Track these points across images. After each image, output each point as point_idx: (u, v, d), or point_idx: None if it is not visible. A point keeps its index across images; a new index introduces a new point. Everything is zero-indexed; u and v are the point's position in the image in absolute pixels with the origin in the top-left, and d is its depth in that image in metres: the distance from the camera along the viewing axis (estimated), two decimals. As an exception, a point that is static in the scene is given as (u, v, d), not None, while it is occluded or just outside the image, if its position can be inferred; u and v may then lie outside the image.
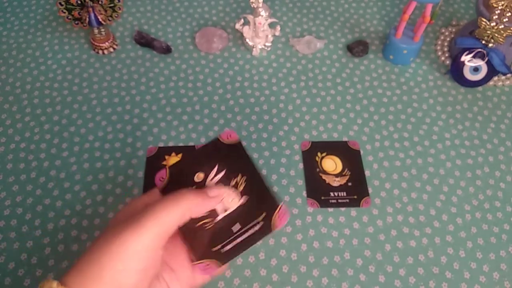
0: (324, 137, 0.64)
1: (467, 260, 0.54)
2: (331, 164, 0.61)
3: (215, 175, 0.37)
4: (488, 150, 0.64)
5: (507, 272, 0.54)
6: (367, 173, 0.61)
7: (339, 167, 0.61)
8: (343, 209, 0.58)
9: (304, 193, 0.59)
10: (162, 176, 0.36)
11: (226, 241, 0.36)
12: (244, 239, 0.36)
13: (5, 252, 0.54)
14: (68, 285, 0.29)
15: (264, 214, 0.36)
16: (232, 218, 0.36)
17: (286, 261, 0.54)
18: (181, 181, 0.37)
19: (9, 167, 0.60)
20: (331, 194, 0.58)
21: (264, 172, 0.60)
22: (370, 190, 0.59)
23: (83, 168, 0.60)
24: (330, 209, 0.57)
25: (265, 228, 0.36)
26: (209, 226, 0.36)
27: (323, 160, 0.61)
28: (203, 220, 0.36)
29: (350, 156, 0.62)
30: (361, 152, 0.63)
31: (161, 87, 0.69)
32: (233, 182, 0.37)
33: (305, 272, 0.53)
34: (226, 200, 0.36)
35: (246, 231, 0.36)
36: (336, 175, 0.60)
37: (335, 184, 0.59)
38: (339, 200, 0.58)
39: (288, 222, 0.56)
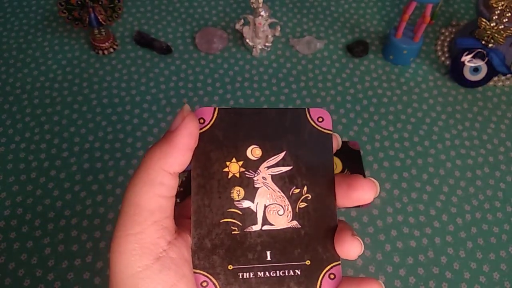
0: (324, 137, 0.64)
1: (467, 260, 0.54)
2: None
3: (276, 164, 0.24)
4: (488, 150, 0.64)
5: (507, 272, 0.54)
6: (367, 173, 0.61)
7: (339, 167, 0.61)
8: (343, 209, 0.58)
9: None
10: (203, 115, 0.25)
11: (251, 266, 0.23)
12: (270, 277, 0.23)
13: (5, 252, 0.54)
14: None
15: (308, 262, 0.24)
16: (268, 239, 0.24)
17: (286, 261, 0.54)
18: (226, 143, 0.24)
19: (9, 167, 0.60)
20: None
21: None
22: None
23: (83, 168, 0.60)
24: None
25: (302, 282, 0.24)
26: (235, 232, 0.24)
27: None
28: (228, 217, 0.24)
29: (350, 156, 0.62)
30: (361, 152, 0.63)
31: (161, 87, 0.69)
32: (293, 190, 0.24)
33: (305, 272, 0.53)
34: (271, 207, 0.24)
35: (277, 269, 0.24)
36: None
37: None
38: None
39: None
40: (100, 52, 0.72)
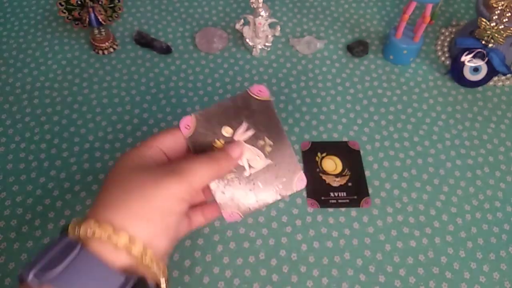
0: (324, 137, 0.64)
1: (467, 260, 0.54)
2: (331, 164, 0.61)
3: (244, 132, 0.37)
4: (488, 150, 0.64)
5: (507, 272, 0.54)
6: (367, 173, 0.61)
7: (339, 167, 0.61)
8: (343, 209, 0.58)
9: (304, 193, 0.59)
10: (187, 123, 0.36)
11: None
12: (265, 197, 0.39)
13: (5, 252, 0.54)
14: (112, 221, 0.28)
15: (284, 179, 0.38)
16: (256, 176, 0.38)
17: (286, 261, 0.54)
18: (207, 133, 0.37)
19: (9, 167, 0.60)
20: (331, 194, 0.58)
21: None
22: (370, 190, 0.59)
23: (83, 168, 0.60)
24: (330, 209, 0.57)
25: (284, 190, 0.39)
26: (236, 181, 0.38)
27: (323, 160, 0.61)
28: (230, 173, 0.38)
29: (350, 156, 0.62)
30: (361, 152, 0.63)
31: (161, 87, 0.69)
32: (260, 143, 0.38)
33: (305, 272, 0.53)
34: (251, 158, 0.38)
35: (267, 190, 0.39)
36: (336, 175, 0.60)
37: (335, 184, 0.59)
38: (339, 201, 0.58)
39: (288, 222, 0.56)
40: (100, 52, 0.72)
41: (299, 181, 0.39)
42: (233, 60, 0.72)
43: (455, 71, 0.69)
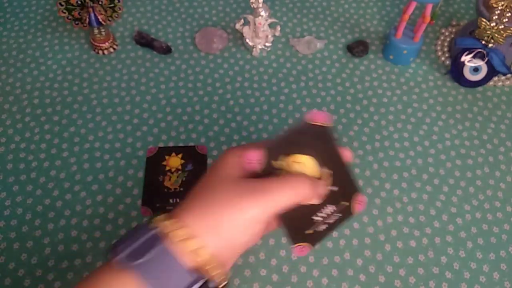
0: (324, 137, 0.64)
1: (467, 260, 0.54)
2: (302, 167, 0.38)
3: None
4: (488, 150, 0.64)
5: (507, 272, 0.54)
6: (367, 173, 0.61)
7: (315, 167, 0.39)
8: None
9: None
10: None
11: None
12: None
13: (5, 252, 0.54)
14: (190, 226, 0.32)
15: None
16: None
17: (286, 261, 0.54)
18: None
19: (9, 167, 0.60)
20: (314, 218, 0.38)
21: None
22: (368, 190, 0.59)
23: (83, 168, 0.60)
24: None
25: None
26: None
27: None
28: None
29: (321, 140, 0.39)
30: (360, 152, 0.63)
31: (161, 87, 0.69)
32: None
33: (305, 272, 0.53)
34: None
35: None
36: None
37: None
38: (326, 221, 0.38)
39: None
40: (100, 52, 0.72)
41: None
42: (233, 60, 0.72)
43: (455, 71, 0.69)
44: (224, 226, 0.32)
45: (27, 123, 0.64)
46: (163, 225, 0.32)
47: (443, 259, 0.54)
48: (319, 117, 0.36)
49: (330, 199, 0.37)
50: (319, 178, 0.37)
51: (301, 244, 0.37)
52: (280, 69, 0.72)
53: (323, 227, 0.38)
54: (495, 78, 0.70)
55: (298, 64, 0.72)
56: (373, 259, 0.54)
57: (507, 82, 0.70)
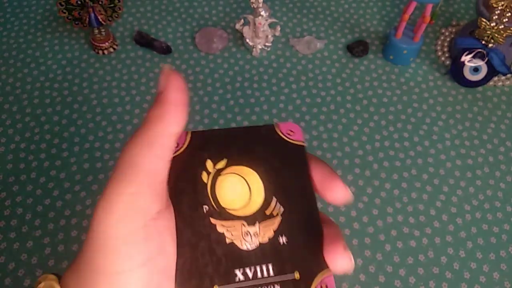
0: (324, 137, 0.64)
1: (467, 260, 0.54)
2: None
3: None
4: (488, 150, 0.64)
5: (507, 272, 0.54)
6: (367, 173, 0.61)
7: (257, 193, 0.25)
8: (343, 208, 0.58)
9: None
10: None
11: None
12: None
13: (5, 252, 0.54)
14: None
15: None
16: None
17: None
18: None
19: (9, 167, 0.60)
20: (236, 272, 0.23)
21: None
22: (368, 190, 0.59)
23: (83, 168, 0.60)
24: (330, 209, 0.57)
25: None
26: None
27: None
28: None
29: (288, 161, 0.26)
30: (359, 152, 0.62)
31: (161, 87, 0.69)
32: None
33: (305, 272, 0.53)
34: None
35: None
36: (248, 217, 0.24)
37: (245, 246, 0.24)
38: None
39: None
40: (100, 52, 0.72)
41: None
42: (233, 60, 0.72)
43: (455, 71, 0.69)
44: (101, 277, 0.22)
45: (27, 123, 0.64)
46: None
47: (443, 259, 0.54)
48: (292, 131, 0.25)
49: (269, 255, 0.22)
50: (258, 212, 0.23)
51: None
52: (280, 69, 0.72)
53: None
54: (495, 78, 0.70)
55: (298, 64, 0.72)
56: (373, 259, 0.54)
57: (507, 82, 0.70)
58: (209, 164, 0.24)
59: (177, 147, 0.24)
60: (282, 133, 0.25)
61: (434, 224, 0.57)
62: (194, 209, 0.23)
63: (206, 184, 0.23)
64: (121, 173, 0.21)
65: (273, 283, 0.22)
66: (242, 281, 0.22)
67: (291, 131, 0.25)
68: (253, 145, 0.24)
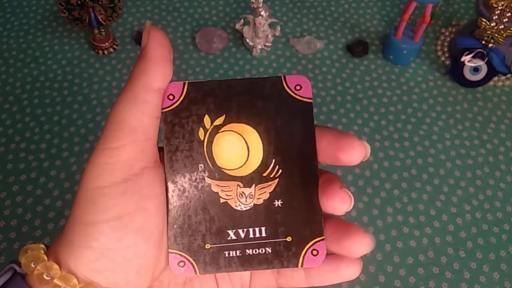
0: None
1: (467, 260, 0.54)
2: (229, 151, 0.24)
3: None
4: (488, 150, 0.64)
5: (507, 272, 0.54)
6: (367, 173, 0.61)
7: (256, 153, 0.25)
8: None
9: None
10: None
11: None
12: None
13: (5, 252, 0.54)
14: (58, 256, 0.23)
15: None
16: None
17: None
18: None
19: (9, 167, 0.60)
20: (229, 232, 0.24)
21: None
22: (368, 190, 0.59)
23: (83, 168, 0.60)
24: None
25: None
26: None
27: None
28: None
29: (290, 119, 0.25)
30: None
31: (161, 87, 0.69)
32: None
33: (305, 272, 0.53)
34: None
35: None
36: (245, 177, 0.23)
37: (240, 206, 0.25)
38: (247, 251, 0.23)
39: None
40: (100, 52, 0.72)
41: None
42: (233, 60, 0.72)
43: (455, 71, 0.69)
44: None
45: (27, 123, 0.64)
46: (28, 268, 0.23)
47: (443, 259, 0.54)
48: (303, 86, 0.23)
49: (263, 217, 0.22)
50: (255, 173, 0.22)
51: (183, 255, 0.22)
52: (280, 69, 0.72)
53: (233, 252, 0.22)
54: (495, 78, 0.70)
55: (298, 64, 0.72)
56: (373, 259, 0.54)
57: (507, 82, 0.70)
58: (206, 120, 0.23)
59: (172, 99, 0.23)
60: (289, 88, 0.23)
61: (434, 224, 0.57)
62: (189, 167, 0.23)
63: (202, 142, 0.22)
64: (107, 129, 0.23)
65: (264, 245, 0.22)
66: (234, 240, 0.22)
67: (299, 85, 0.23)
68: (255, 100, 0.22)
